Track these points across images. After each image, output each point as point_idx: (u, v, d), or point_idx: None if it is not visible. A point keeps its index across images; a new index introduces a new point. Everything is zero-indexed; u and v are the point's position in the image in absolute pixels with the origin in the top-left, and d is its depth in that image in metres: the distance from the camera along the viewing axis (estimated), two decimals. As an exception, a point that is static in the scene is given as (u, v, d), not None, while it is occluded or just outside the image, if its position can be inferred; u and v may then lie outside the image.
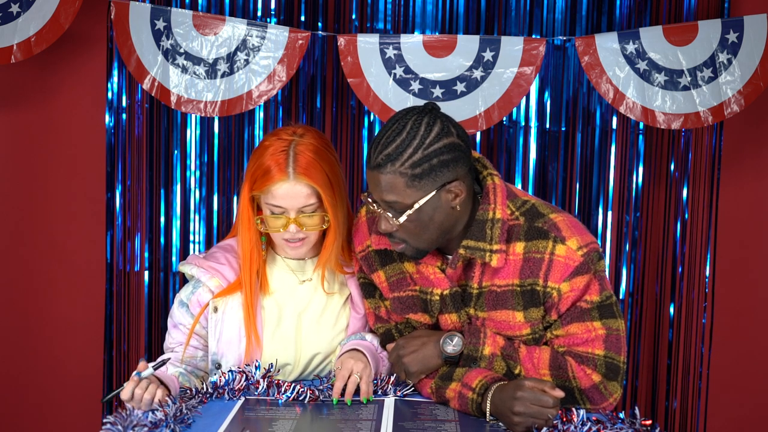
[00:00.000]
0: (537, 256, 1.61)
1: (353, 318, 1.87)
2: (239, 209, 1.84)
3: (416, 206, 1.56)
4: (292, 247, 1.80)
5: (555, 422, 1.49)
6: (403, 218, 1.57)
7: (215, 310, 1.82)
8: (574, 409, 1.52)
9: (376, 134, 1.61)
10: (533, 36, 2.65)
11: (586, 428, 1.47)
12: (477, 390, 1.59)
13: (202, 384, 1.73)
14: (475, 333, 1.65)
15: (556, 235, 1.61)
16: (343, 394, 1.66)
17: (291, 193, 1.74)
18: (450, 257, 1.69)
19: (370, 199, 1.62)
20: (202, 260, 1.87)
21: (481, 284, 1.65)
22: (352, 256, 1.87)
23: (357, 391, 1.68)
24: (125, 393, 1.55)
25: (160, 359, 1.62)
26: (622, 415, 1.52)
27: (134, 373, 1.58)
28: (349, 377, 1.67)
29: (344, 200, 1.85)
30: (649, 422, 1.49)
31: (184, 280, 2.73)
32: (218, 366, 1.83)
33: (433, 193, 1.56)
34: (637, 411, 1.53)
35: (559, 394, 1.50)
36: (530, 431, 1.49)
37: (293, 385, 1.69)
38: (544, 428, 1.47)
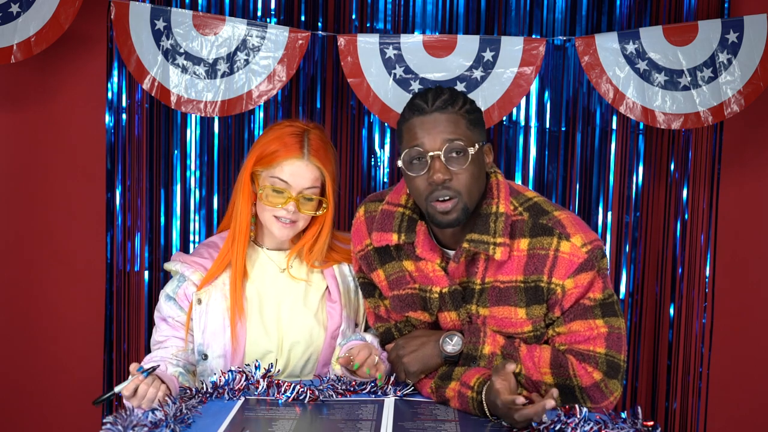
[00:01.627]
0: (542, 252, 1.62)
1: (329, 308, 1.89)
2: (237, 185, 1.89)
3: (477, 146, 1.61)
4: (281, 227, 1.85)
5: (553, 420, 1.48)
6: (471, 151, 1.59)
7: (199, 302, 1.85)
8: (577, 407, 1.52)
9: (414, 95, 1.67)
10: (533, 36, 2.65)
11: (588, 428, 1.47)
12: (476, 388, 1.59)
13: (202, 384, 1.73)
14: (475, 332, 1.65)
15: (560, 232, 1.62)
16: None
17: (301, 171, 1.82)
18: (451, 253, 1.69)
19: (420, 149, 1.60)
20: (186, 256, 1.93)
21: (484, 280, 1.66)
22: (332, 257, 1.92)
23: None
24: (128, 389, 1.56)
25: (149, 365, 1.62)
26: (624, 415, 1.52)
27: (136, 368, 1.58)
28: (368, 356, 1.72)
29: (335, 201, 1.92)
30: (651, 423, 1.49)
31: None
32: (204, 357, 1.86)
33: (483, 143, 1.64)
34: (639, 410, 1.52)
35: (521, 400, 1.47)
36: (530, 425, 1.49)
37: (293, 385, 1.69)
38: (543, 425, 1.47)
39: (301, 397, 1.66)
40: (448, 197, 1.59)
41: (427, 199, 1.61)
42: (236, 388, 1.68)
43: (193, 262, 1.90)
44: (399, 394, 1.71)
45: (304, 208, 1.84)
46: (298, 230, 1.89)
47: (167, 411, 1.51)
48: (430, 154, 1.58)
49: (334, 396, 1.68)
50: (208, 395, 1.67)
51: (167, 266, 1.95)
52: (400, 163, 1.63)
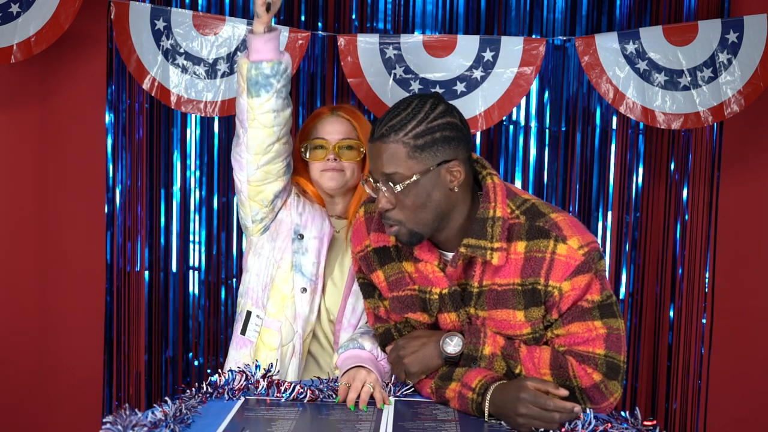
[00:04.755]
0: (538, 255, 1.61)
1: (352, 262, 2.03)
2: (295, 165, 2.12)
3: (415, 178, 1.56)
4: (329, 177, 2.04)
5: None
6: (399, 187, 1.57)
7: (297, 195, 2.08)
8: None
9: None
10: (533, 36, 2.65)
11: (590, 428, 1.46)
12: (477, 390, 1.59)
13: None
14: (475, 333, 1.65)
15: (557, 235, 1.61)
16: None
17: (332, 125, 2.06)
18: (449, 255, 1.69)
19: (371, 179, 1.62)
20: None
21: (481, 283, 1.65)
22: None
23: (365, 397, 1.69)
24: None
25: None
26: (625, 415, 1.52)
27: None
28: (362, 387, 1.68)
29: None
30: (653, 422, 1.48)
31: (184, 280, 2.75)
32: (300, 237, 2.02)
33: (433, 167, 1.57)
34: (637, 411, 1.52)
35: (563, 392, 1.50)
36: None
37: (293, 385, 1.69)
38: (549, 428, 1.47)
39: (300, 397, 1.67)
40: (392, 223, 1.62)
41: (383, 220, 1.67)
42: (236, 388, 1.68)
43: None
44: (399, 394, 1.71)
45: (345, 156, 2.04)
46: (347, 181, 2.06)
47: (167, 411, 1.51)
48: (378, 184, 1.60)
49: (333, 396, 1.68)
50: (208, 395, 1.67)
51: None
52: None
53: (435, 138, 1.57)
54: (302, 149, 2.07)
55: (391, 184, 1.58)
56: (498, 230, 1.61)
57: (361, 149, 2.06)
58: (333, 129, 2.06)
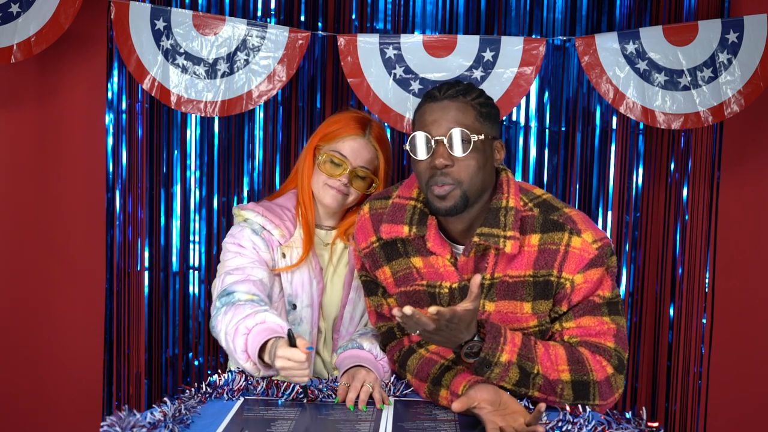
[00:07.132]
0: (552, 247, 1.63)
1: (347, 277, 2.01)
2: (301, 159, 2.03)
3: (482, 137, 1.62)
4: (333, 194, 1.97)
5: (554, 421, 1.48)
6: (476, 139, 1.60)
7: (284, 256, 1.95)
8: (580, 407, 1.52)
9: (429, 89, 1.72)
10: (533, 36, 2.65)
11: (590, 425, 1.46)
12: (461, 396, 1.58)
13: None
14: (495, 337, 1.63)
15: (572, 228, 1.63)
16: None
17: (360, 148, 1.97)
18: (460, 249, 1.69)
19: (426, 134, 1.62)
20: (266, 211, 1.98)
21: (493, 275, 1.66)
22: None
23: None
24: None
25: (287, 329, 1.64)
26: (629, 415, 1.52)
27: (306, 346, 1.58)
28: (361, 387, 1.68)
29: (386, 185, 2.02)
30: (656, 424, 1.48)
31: (184, 280, 2.74)
32: (294, 306, 1.94)
33: (491, 137, 1.65)
34: (644, 412, 1.52)
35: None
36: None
37: (292, 385, 1.69)
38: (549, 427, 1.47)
39: (300, 397, 1.67)
40: (450, 183, 1.61)
41: (428, 183, 1.63)
42: (235, 388, 1.68)
43: (273, 218, 1.97)
44: (398, 394, 1.71)
45: (356, 185, 1.97)
46: (347, 203, 2.00)
47: (166, 411, 1.51)
48: (435, 138, 1.61)
49: (333, 396, 1.68)
50: (207, 395, 1.67)
51: (245, 213, 1.98)
52: (407, 147, 1.65)
53: (492, 112, 1.65)
54: (318, 155, 1.99)
55: (457, 140, 1.60)
56: (511, 219, 1.63)
57: (374, 184, 2.00)
58: (358, 152, 1.97)
